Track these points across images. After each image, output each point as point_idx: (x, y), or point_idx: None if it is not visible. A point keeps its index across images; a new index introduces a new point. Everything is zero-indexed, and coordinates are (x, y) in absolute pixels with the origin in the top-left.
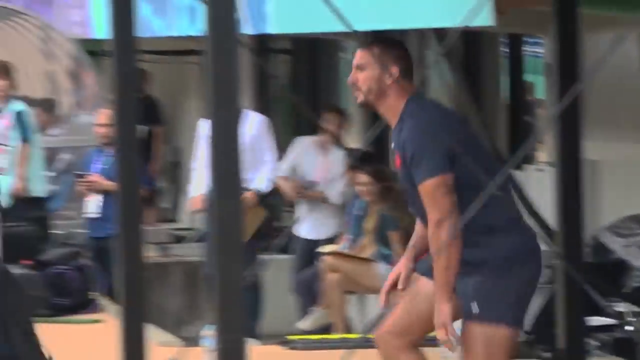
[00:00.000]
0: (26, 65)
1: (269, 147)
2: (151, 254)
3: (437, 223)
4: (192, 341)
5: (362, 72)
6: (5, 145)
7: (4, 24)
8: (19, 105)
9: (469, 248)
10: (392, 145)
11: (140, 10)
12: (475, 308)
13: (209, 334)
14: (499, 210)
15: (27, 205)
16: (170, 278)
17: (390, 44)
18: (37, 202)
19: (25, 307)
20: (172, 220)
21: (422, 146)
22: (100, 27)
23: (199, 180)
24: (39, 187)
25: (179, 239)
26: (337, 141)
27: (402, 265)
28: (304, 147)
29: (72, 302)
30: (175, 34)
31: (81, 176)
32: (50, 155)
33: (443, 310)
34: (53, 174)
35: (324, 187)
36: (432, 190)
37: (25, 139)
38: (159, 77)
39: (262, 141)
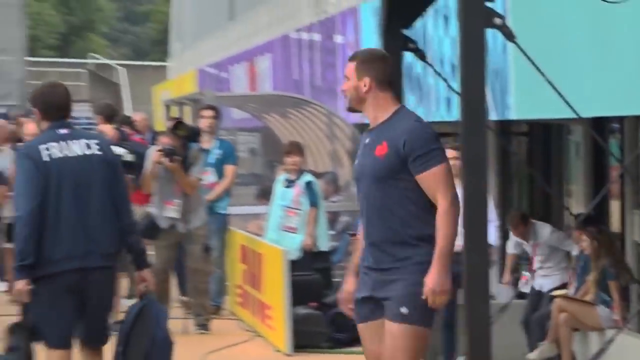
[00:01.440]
0: (314, 145)
1: (491, 209)
2: None
3: (453, 202)
4: None
5: (347, 82)
6: (298, 209)
7: (296, 112)
8: (308, 177)
9: (399, 246)
10: (367, 140)
11: (407, 100)
12: (405, 310)
13: None
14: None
15: (314, 258)
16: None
17: (368, 57)
18: (322, 256)
19: (148, 340)
20: None
21: (431, 141)
22: None
23: None
24: (324, 243)
25: None
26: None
27: (349, 285)
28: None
29: (349, 336)
30: (434, 119)
31: (354, 235)
32: (332, 218)
33: (442, 279)
34: (334, 232)
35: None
36: (445, 174)
37: (313, 204)
38: None
39: None
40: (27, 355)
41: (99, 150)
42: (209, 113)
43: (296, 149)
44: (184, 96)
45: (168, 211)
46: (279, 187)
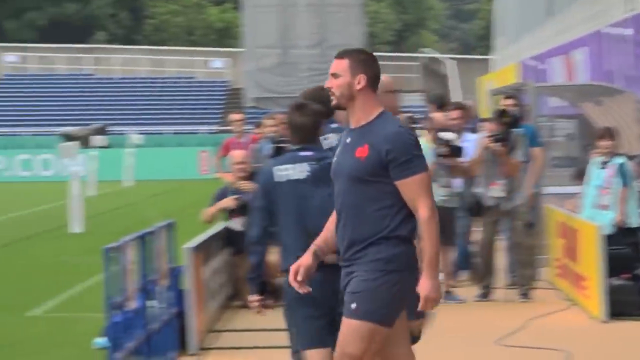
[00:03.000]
0: (625, 129)
1: None
2: None
3: (432, 210)
4: None
5: (336, 79)
6: (610, 188)
7: (609, 99)
8: (621, 159)
9: (365, 243)
10: (348, 139)
11: None
12: (354, 305)
13: None
14: (405, 221)
15: (625, 233)
16: None
17: (364, 55)
18: (633, 231)
19: None
20: None
21: (414, 148)
22: None
23: None
24: (634, 220)
25: None
26: None
27: (305, 259)
28: None
29: None
30: None
31: None
32: None
33: (435, 285)
34: None
35: None
36: (426, 182)
37: (624, 184)
38: None
39: None
40: None
41: None
42: (508, 102)
43: (609, 133)
44: (506, 86)
45: (493, 191)
46: (593, 169)
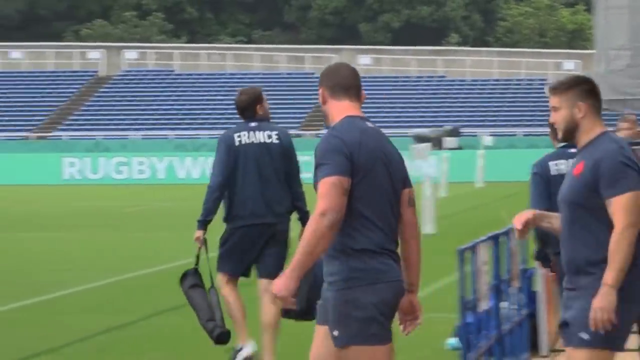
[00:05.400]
0: None
1: None
2: None
3: (321, 212)
4: None
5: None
6: None
7: None
8: None
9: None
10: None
11: None
12: (335, 333)
13: None
14: (356, 234)
15: None
16: None
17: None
18: None
19: None
20: None
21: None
22: None
23: None
24: None
25: None
26: None
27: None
28: None
29: None
30: None
31: None
32: None
33: (288, 285)
34: None
35: None
36: (325, 186)
37: None
38: None
39: None
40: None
41: (277, 139)
42: None
43: None
44: None
45: None
46: None
